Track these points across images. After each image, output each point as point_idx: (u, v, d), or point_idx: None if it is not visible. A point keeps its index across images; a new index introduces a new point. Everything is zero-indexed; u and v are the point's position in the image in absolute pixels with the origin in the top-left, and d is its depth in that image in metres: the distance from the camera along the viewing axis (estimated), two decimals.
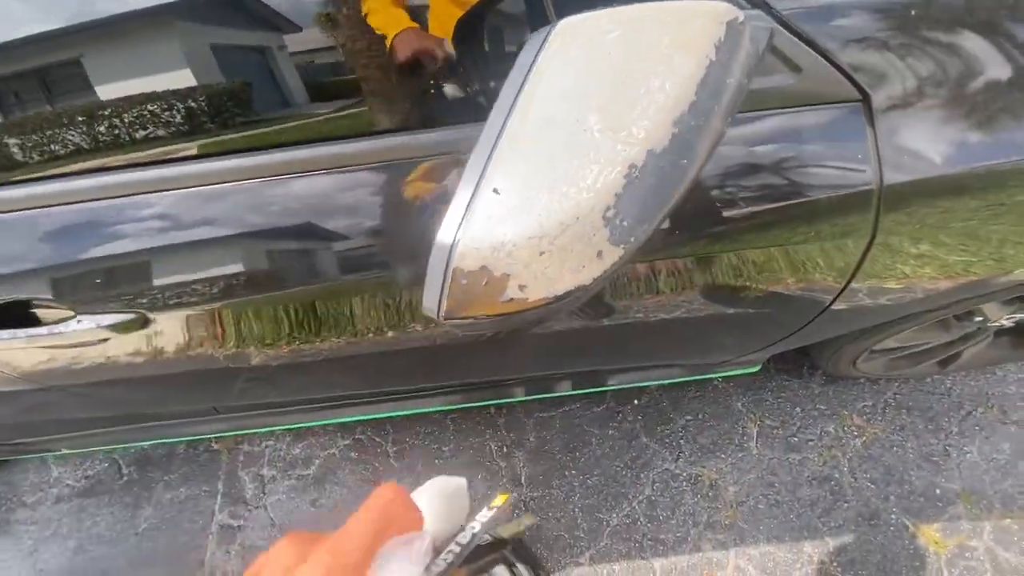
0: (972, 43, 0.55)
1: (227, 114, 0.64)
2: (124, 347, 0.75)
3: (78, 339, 0.70)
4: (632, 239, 0.33)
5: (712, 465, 1.35)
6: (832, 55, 0.52)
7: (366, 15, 0.57)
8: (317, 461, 1.49)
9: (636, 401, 1.46)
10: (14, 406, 1.01)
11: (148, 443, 1.54)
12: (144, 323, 0.71)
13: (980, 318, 1.04)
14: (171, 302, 0.71)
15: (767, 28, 0.50)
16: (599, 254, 0.33)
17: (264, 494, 1.46)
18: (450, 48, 0.58)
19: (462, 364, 1.04)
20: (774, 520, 1.27)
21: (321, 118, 0.65)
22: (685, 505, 1.31)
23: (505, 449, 1.44)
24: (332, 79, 0.65)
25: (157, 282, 0.69)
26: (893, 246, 0.67)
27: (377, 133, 0.62)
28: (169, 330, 0.75)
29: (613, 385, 1.29)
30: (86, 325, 0.68)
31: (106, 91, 0.61)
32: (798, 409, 1.39)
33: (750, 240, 0.67)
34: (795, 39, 0.52)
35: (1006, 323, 1.09)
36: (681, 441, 1.39)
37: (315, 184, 0.64)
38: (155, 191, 0.64)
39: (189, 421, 1.32)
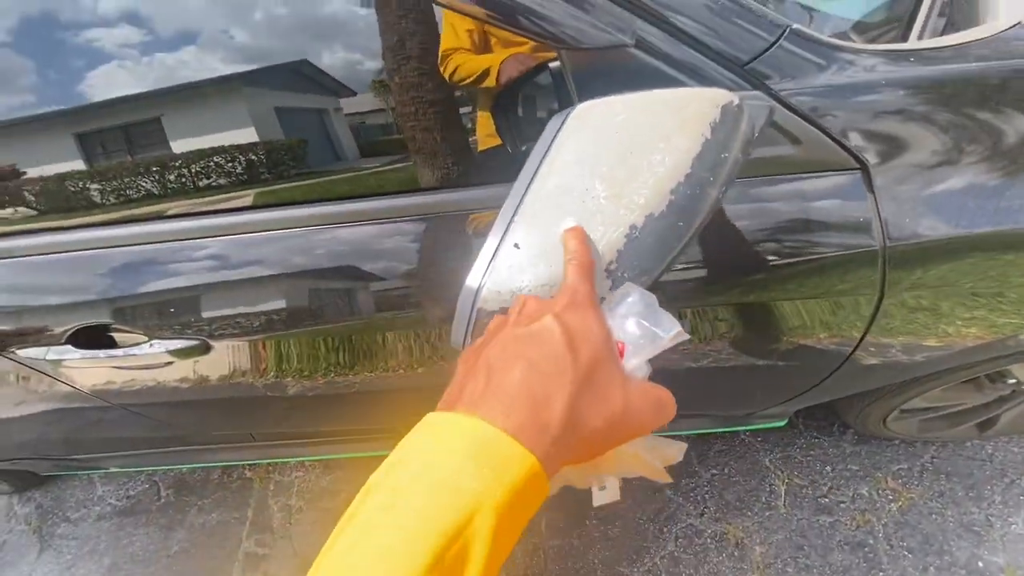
0: (969, 117, 0.60)
1: (283, 166, 0.74)
2: (185, 371, 0.84)
3: (148, 361, 0.80)
4: None
5: (738, 523, 1.32)
6: (828, 129, 0.58)
7: (452, 73, 0.66)
8: (343, 494, 1.53)
9: None
10: (77, 421, 1.11)
11: (187, 467, 1.62)
12: (206, 349, 0.80)
13: (1013, 380, 1.02)
14: (228, 332, 0.80)
15: (767, 106, 0.56)
16: (601, 301, 0.38)
17: (291, 524, 1.50)
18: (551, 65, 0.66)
19: None
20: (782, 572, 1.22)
21: (369, 172, 0.74)
22: (709, 563, 1.28)
23: None
24: (381, 138, 0.75)
25: (218, 313, 0.78)
26: (903, 303, 0.70)
27: (418, 191, 0.70)
28: (224, 357, 0.84)
29: None
30: (157, 349, 0.77)
31: (180, 146, 0.72)
32: (828, 468, 1.36)
33: (769, 293, 0.71)
34: (794, 115, 0.58)
35: None
36: (706, 495, 1.37)
37: (359, 232, 0.73)
38: (217, 236, 0.75)
39: (227, 447, 1.39)
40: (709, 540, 1.30)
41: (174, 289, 0.77)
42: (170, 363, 0.81)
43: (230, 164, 0.74)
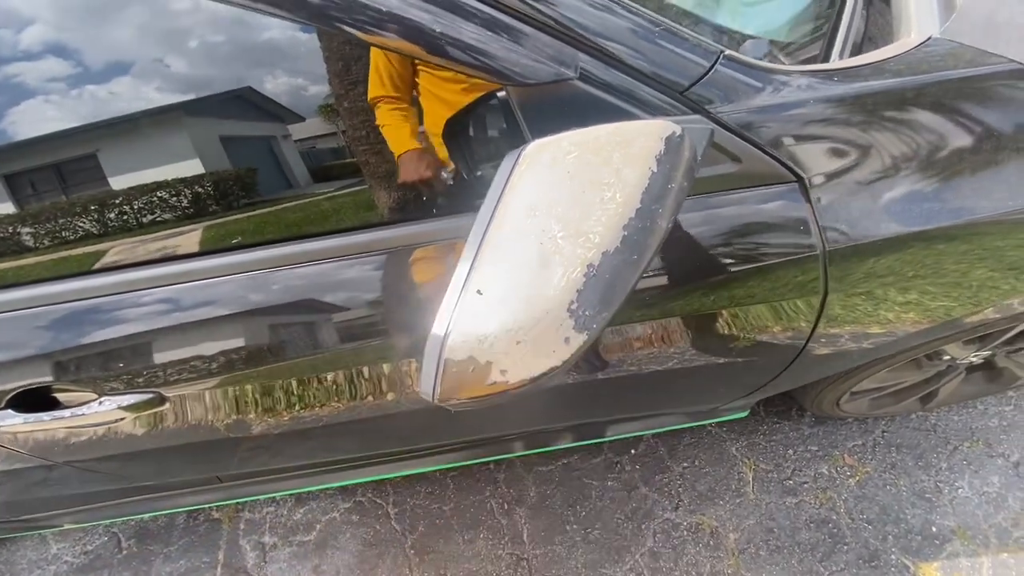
0: (890, 128, 0.64)
1: (233, 197, 0.72)
2: (139, 424, 0.80)
3: (98, 420, 0.75)
4: (594, 325, 0.40)
5: (711, 512, 1.37)
6: (765, 146, 0.61)
7: (380, 125, 0.66)
8: (318, 526, 1.49)
9: (633, 451, 1.49)
10: (21, 482, 1.04)
11: (149, 515, 1.54)
12: (160, 401, 0.76)
13: (947, 357, 1.10)
14: (184, 379, 0.76)
15: (708, 129, 0.59)
16: (566, 340, 0.39)
17: (265, 562, 1.45)
18: (447, 174, 0.67)
19: (462, 423, 1.08)
20: (776, 567, 1.27)
21: (323, 197, 0.73)
22: (687, 555, 1.32)
23: (506, 506, 1.45)
24: (334, 163, 0.74)
25: (172, 361, 0.75)
26: (846, 298, 0.75)
27: (377, 225, 0.69)
28: (182, 405, 0.80)
29: (611, 436, 1.32)
30: (108, 407, 0.73)
31: (120, 182, 0.69)
32: (791, 451, 1.42)
33: (725, 299, 0.74)
34: (733, 136, 0.61)
35: (975, 360, 1.14)
36: (680, 489, 1.41)
37: (318, 267, 0.72)
38: (167, 285, 0.71)
39: (191, 491, 1.33)
40: (686, 532, 1.35)
41: (122, 339, 0.73)
42: (123, 418, 0.77)
43: (175, 198, 0.71)
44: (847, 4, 0.72)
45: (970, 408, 1.40)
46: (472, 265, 0.40)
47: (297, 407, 0.86)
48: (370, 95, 0.63)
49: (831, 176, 0.64)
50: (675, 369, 0.89)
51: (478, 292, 0.40)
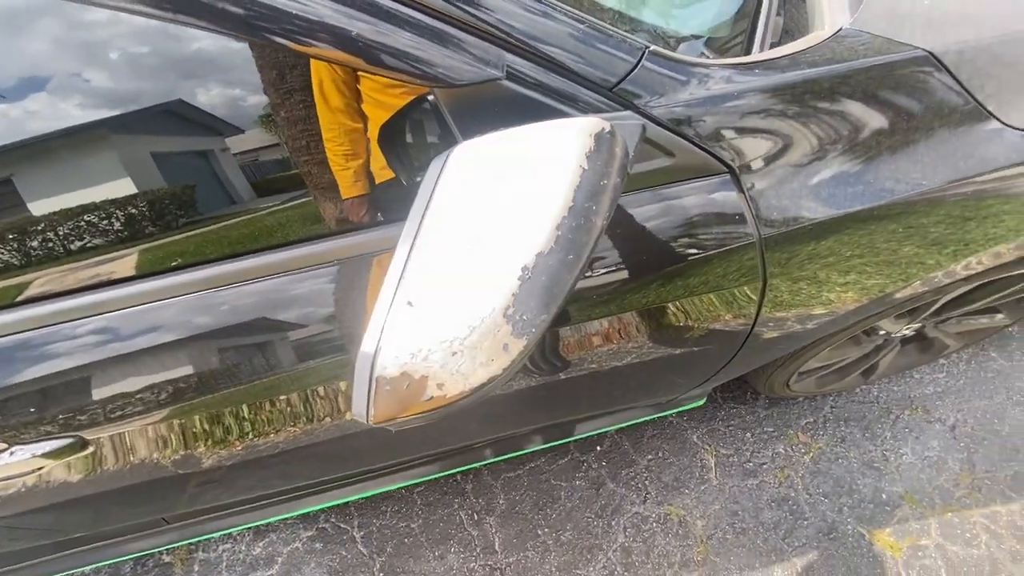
0: (810, 115, 0.67)
1: (170, 216, 0.67)
2: (62, 472, 0.73)
3: (10, 472, 0.68)
4: (532, 330, 0.39)
5: (678, 502, 1.38)
6: (695, 139, 0.62)
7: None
8: (280, 559, 1.42)
9: (598, 447, 1.49)
10: None
11: (90, 567, 1.42)
12: (83, 445, 0.70)
13: (883, 331, 1.16)
14: (124, 415, 0.70)
15: (639, 125, 0.59)
16: (505, 347, 0.38)
17: None
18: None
19: (425, 437, 1.05)
20: (743, 548, 1.30)
21: (266, 211, 0.69)
22: (658, 547, 1.33)
23: (476, 516, 1.43)
24: (277, 175, 0.70)
25: (111, 396, 0.69)
26: (785, 281, 0.77)
27: (326, 235, 0.66)
28: (112, 446, 0.74)
29: (577, 435, 1.32)
30: (20, 457, 0.66)
31: (40, 208, 0.63)
32: (748, 434, 1.46)
33: (672, 292, 0.75)
34: (664, 130, 0.61)
35: (908, 332, 1.21)
36: (646, 482, 1.43)
37: (268, 284, 0.68)
38: (101, 314, 0.66)
39: (136, 536, 1.24)
40: (655, 524, 1.36)
41: (55, 375, 0.67)
42: (41, 468, 0.70)
43: (106, 221, 0.65)
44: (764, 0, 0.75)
45: (907, 378, 1.48)
46: (401, 276, 0.39)
47: (250, 434, 0.81)
48: (321, 122, 0.62)
49: (760, 165, 0.66)
50: (632, 363, 0.89)
51: (408, 304, 0.38)
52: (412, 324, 0.37)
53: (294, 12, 0.51)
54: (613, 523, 1.37)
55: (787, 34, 0.75)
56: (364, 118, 0.66)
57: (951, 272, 0.82)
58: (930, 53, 0.64)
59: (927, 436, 1.39)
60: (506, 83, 0.54)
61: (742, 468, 1.41)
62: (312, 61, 0.58)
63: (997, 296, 1.09)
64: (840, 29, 0.67)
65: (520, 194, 0.42)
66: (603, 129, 0.48)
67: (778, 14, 0.75)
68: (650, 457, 1.46)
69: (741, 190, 0.67)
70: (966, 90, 0.66)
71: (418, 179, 0.70)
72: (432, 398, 0.37)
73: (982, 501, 1.28)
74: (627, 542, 1.34)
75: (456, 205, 0.42)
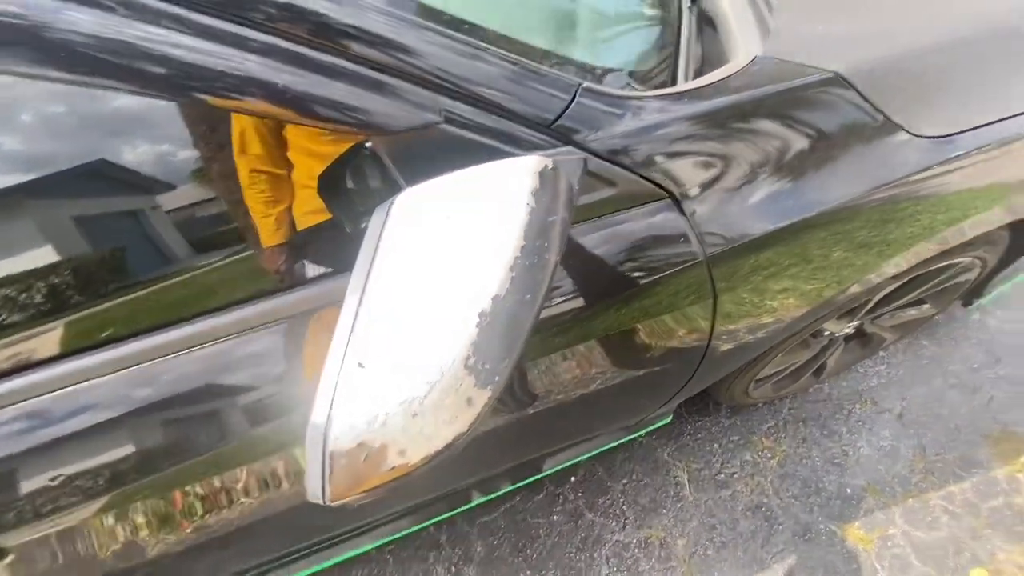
0: (746, 139, 0.70)
1: (99, 284, 0.61)
2: None
3: None
4: (496, 378, 0.37)
5: (657, 523, 1.37)
6: (634, 168, 0.64)
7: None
8: None
9: (573, 478, 1.47)
10: None
11: None
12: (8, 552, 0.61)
13: (828, 332, 1.22)
14: (52, 508, 0.62)
15: (580, 159, 0.60)
16: (469, 401, 0.36)
17: None
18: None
19: (390, 497, 0.99)
20: (724, 563, 1.30)
21: (206, 270, 0.63)
22: (643, 573, 1.30)
23: (454, 568, 1.36)
24: (215, 231, 0.65)
25: (38, 489, 0.61)
26: (733, 295, 0.79)
27: (274, 292, 0.62)
28: (32, 551, 0.65)
29: (548, 470, 1.29)
30: None
31: None
32: (716, 445, 1.48)
33: (629, 318, 0.75)
34: (604, 162, 0.62)
35: (849, 331, 1.27)
36: (623, 507, 1.41)
37: (214, 348, 0.63)
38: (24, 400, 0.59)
39: None
40: (637, 551, 1.34)
41: None
42: None
43: (25, 295, 0.59)
44: (683, 32, 0.79)
45: (854, 373, 1.55)
46: (350, 334, 0.36)
47: (201, 513, 0.73)
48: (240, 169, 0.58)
49: (697, 188, 0.68)
50: (599, 390, 0.89)
51: (359, 365, 0.35)
52: (365, 387, 0.34)
53: (219, 69, 0.49)
54: (595, 555, 1.34)
55: (707, 64, 0.79)
56: (288, 164, 0.63)
57: (880, 271, 0.88)
58: (837, 73, 0.69)
59: (879, 426, 1.45)
60: (445, 127, 0.54)
61: (714, 480, 1.42)
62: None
63: (922, 289, 1.17)
64: (755, 58, 0.71)
65: (469, 238, 0.41)
66: (546, 166, 0.48)
67: (696, 44, 0.79)
68: (625, 481, 1.45)
69: (682, 212, 0.69)
70: (873, 105, 0.71)
71: (363, 225, 0.69)
72: (394, 467, 0.34)
73: (937, 484, 1.34)
74: (611, 573, 1.31)
75: (403, 254, 0.40)
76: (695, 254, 0.71)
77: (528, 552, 1.36)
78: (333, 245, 0.66)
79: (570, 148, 0.60)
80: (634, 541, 1.35)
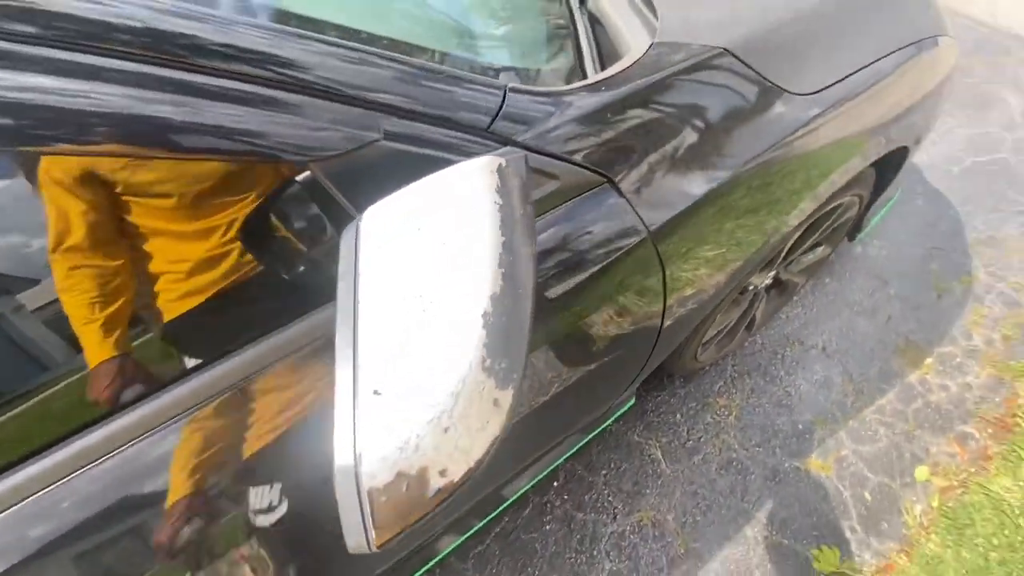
0: (661, 119, 0.75)
1: None
2: None
3: None
4: (515, 376, 0.36)
5: (644, 504, 1.40)
6: (571, 159, 0.66)
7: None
8: None
9: (555, 483, 1.46)
10: None
11: None
12: None
13: (752, 287, 1.33)
14: None
15: (521, 156, 0.60)
16: (495, 403, 0.34)
17: None
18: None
19: (369, 559, 0.92)
20: (713, 525, 1.35)
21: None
22: (643, 557, 1.32)
23: None
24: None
25: None
26: (678, 267, 0.84)
27: (195, 370, 0.55)
28: None
29: (528, 484, 1.27)
30: None
31: None
32: (678, 415, 1.55)
33: (586, 306, 0.77)
34: (543, 156, 0.64)
35: (768, 282, 1.40)
36: (610, 498, 1.42)
37: (124, 455, 0.52)
38: None
39: None
40: (632, 536, 1.35)
41: None
42: None
43: None
44: (579, 31, 0.83)
45: (778, 321, 1.70)
46: (355, 366, 0.33)
47: None
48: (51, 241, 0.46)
49: (630, 169, 0.72)
50: (565, 390, 0.89)
51: (375, 393, 0.33)
52: (387, 414, 0.32)
53: (125, 113, 0.43)
54: (595, 552, 1.34)
55: (607, 57, 0.84)
56: (128, 253, 0.51)
57: (792, 217, 0.97)
58: (725, 48, 0.77)
59: (809, 363, 1.60)
60: (386, 143, 0.52)
61: (685, 449, 1.48)
62: (44, 188, 0.44)
63: (819, 232, 1.31)
64: (652, 43, 0.77)
65: (447, 244, 0.40)
66: (500, 164, 0.48)
67: (592, 41, 0.84)
68: (605, 472, 1.46)
69: (622, 194, 0.72)
70: (757, 72, 0.80)
71: (301, 268, 0.64)
72: (439, 489, 0.31)
73: (867, 401, 1.50)
74: (614, 566, 1.31)
75: (385, 273, 0.38)
76: (640, 231, 0.74)
77: (530, 570, 1.33)
78: (213, 328, 0.57)
79: (510, 148, 0.61)
80: (628, 528, 1.36)
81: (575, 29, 0.81)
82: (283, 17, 0.63)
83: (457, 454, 0.32)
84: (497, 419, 0.34)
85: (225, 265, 0.53)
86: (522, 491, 1.31)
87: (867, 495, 1.36)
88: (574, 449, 1.35)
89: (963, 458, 1.38)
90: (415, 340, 0.35)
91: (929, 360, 1.56)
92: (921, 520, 1.30)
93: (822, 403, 1.51)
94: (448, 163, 0.57)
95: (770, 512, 1.35)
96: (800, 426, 1.48)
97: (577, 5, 0.83)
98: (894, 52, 0.94)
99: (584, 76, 0.78)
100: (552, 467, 1.34)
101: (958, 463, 1.37)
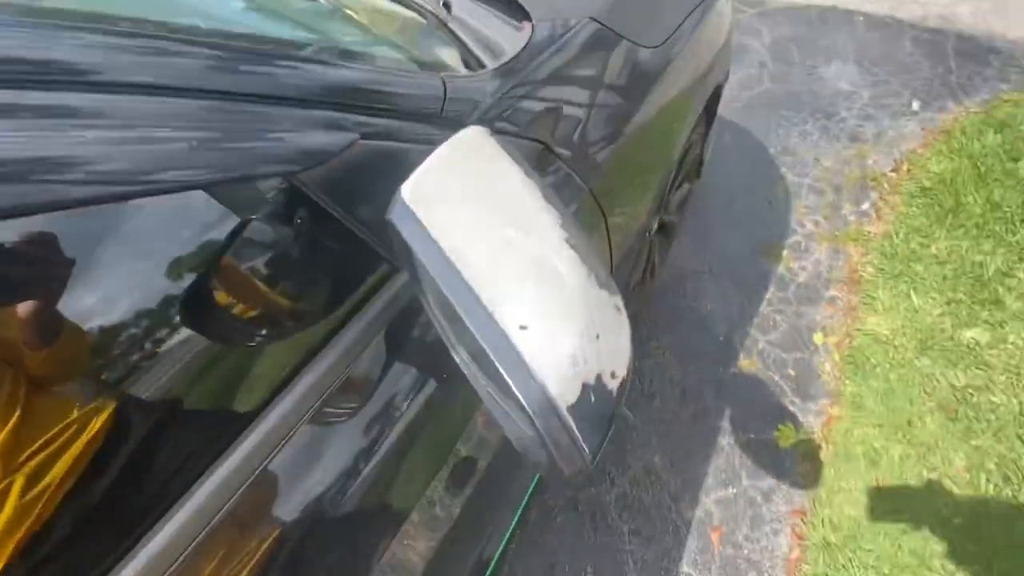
0: (568, 85, 0.82)
1: None
2: None
3: None
4: (614, 283, 0.38)
5: (632, 460, 1.47)
6: (511, 130, 0.70)
7: None
8: None
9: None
10: None
11: None
12: None
13: (648, 234, 1.49)
14: None
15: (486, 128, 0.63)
16: (617, 308, 0.36)
17: None
18: None
19: None
20: (692, 451, 1.47)
21: None
22: (651, 505, 1.40)
23: None
24: None
25: None
26: (613, 213, 0.92)
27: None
28: None
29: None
30: None
31: None
32: None
33: None
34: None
35: (656, 225, 1.58)
36: (601, 468, 1.46)
37: None
38: None
39: None
40: (634, 491, 1.41)
41: None
42: None
43: None
44: (455, 29, 0.88)
45: (671, 265, 1.90)
46: (490, 316, 0.33)
47: None
48: None
49: (558, 133, 0.78)
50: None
51: (522, 328, 0.32)
52: (544, 340, 0.32)
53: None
54: (609, 521, 1.37)
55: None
56: None
57: (672, 158, 1.13)
58: (592, 17, 0.87)
59: (705, 286, 1.82)
60: (362, 141, 0.51)
61: (645, 398, 1.59)
62: None
63: (681, 173, 1.53)
64: (533, 25, 0.85)
65: (496, 190, 0.41)
66: (486, 129, 0.50)
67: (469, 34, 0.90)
68: None
69: (559, 157, 0.78)
70: (619, 34, 0.92)
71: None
72: (619, 386, 0.32)
73: (758, 299, 1.76)
74: (630, 525, 1.36)
75: (462, 231, 0.37)
76: (581, 187, 0.81)
77: (556, 571, 1.31)
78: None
79: (468, 126, 0.62)
80: (627, 487, 1.42)
81: (452, 30, 0.86)
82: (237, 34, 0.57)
83: (614, 355, 0.34)
84: (624, 320, 0.36)
85: None
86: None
87: (791, 371, 1.60)
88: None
89: (839, 316, 1.70)
90: (522, 274, 0.35)
91: (785, 252, 1.89)
92: (833, 373, 1.57)
93: (728, 314, 1.74)
94: (415, 152, 0.57)
95: (731, 418, 1.52)
96: (721, 338, 1.69)
97: (446, 13, 0.88)
98: (695, 8, 1.15)
99: (483, 65, 0.83)
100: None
101: (838, 321, 1.68)
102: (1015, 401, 1.39)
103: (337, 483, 0.52)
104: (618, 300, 0.37)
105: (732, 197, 2.05)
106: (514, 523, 1.13)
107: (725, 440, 1.48)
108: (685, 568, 1.30)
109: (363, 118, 0.52)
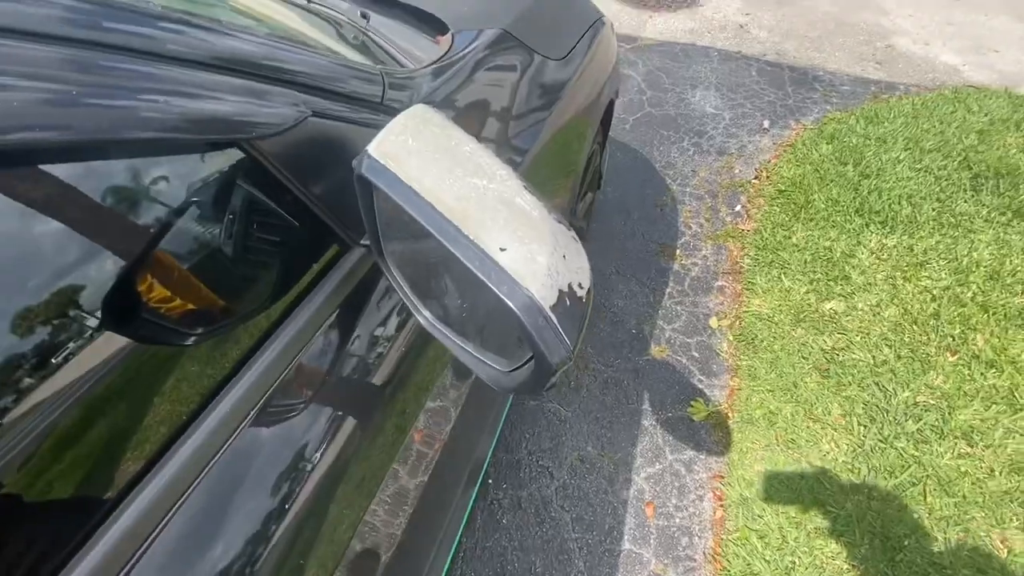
0: (490, 83, 0.89)
1: None
2: None
3: None
4: (566, 219, 0.44)
5: (567, 451, 1.53)
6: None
7: None
8: None
9: (489, 481, 1.47)
10: None
11: None
12: None
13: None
14: None
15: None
16: (573, 237, 0.42)
17: None
18: None
19: None
20: (620, 435, 1.57)
21: None
22: (589, 491, 1.45)
23: None
24: None
25: None
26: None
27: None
28: None
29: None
30: None
31: None
32: None
33: None
34: None
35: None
36: (540, 462, 1.51)
37: None
38: None
39: None
40: (572, 481, 1.47)
41: None
42: None
43: None
44: (375, 38, 0.92)
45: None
46: (472, 240, 0.37)
47: None
48: None
49: (484, 133, 0.85)
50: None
51: (502, 249, 0.37)
52: (522, 259, 0.36)
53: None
54: (552, 513, 1.41)
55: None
56: None
57: (580, 163, 1.25)
58: (503, 29, 0.96)
59: (614, 285, 1.98)
60: (313, 119, 0.53)
61: (572, 391, 1.67)
62: None
63: (585, 182, 1.67)
64: (451, 32, 0.91)
65: (457, 149, 0.46)
66: (427, 108, 0.55)
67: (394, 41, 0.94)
68: (524, 445, 1.55)
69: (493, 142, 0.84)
70: (525, 45, 1.02)
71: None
72: (586, 293, 0.37)
73: (660, 293, 1.95)
74: (572, 514, 1.41)
75: (426, 178, 0.42)
76: (519, 162, 0.88)
77: (509, 568, 1.31)
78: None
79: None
80: (566, 477, 1.48)
81: (374, 40, 0.90)
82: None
83: (578, 269, 0.39)
84: (581, 247, 0.42)
85: None
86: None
87: (694, 353, 1.77)
88: (495, 436, 1.40)
89: (728, 302, 1.93)
90: (494, 209, 0.40)
91: (677, 251, 2.11)
92: (730, 351, 1.77)
93: (636, 308, 1.90)
94: (360, 133, 0.60)
95: (650, 400, 1.65)
96: (633, 331, 1.84)
97: (365, 24, 0.92)
98: (588, 28, 1.30)
99: (403, 66, 0.88)
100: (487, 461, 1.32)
101: (727, 306, 1.91)
102: (869, 356, 1.67)
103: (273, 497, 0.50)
104: (573, 233, 0.43)
105: (629, 206, 2.26)
106: (460, 531, 1.14)
107: (647, 421, 1.60)
108: (626, 545, 1.38)
109: (313, 98, 0.54)
